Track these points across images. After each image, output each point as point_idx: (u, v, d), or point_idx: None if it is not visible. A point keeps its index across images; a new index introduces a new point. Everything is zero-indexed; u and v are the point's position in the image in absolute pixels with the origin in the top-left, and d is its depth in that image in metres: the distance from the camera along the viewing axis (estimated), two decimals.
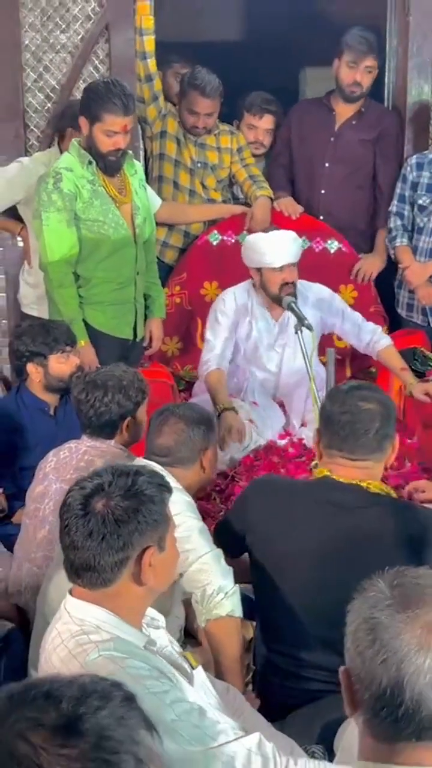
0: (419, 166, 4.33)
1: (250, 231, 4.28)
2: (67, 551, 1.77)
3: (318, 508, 2.36)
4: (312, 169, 4.62)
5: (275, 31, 5.43)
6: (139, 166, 3.89)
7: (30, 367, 3.39)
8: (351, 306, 4.13)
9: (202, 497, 3.20)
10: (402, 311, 4.51)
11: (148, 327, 4.00)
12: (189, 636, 2.66)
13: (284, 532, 2.38)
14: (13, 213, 4.15)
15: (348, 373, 4.43)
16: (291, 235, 3.87)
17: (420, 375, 3.94)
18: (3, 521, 3.31)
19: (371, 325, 4.00)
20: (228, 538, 2.57)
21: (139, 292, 3.86)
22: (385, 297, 4.59)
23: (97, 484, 1.78)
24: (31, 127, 4.28)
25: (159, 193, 4.42)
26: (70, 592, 1.80)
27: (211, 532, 2.59)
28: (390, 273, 4.54)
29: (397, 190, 4.39)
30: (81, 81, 4.21)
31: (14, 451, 3.35)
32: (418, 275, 4.31)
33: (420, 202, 4.31)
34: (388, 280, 4.57)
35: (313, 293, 3.95)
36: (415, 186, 4.33)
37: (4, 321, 4.42)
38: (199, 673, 1.93)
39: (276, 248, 3.77)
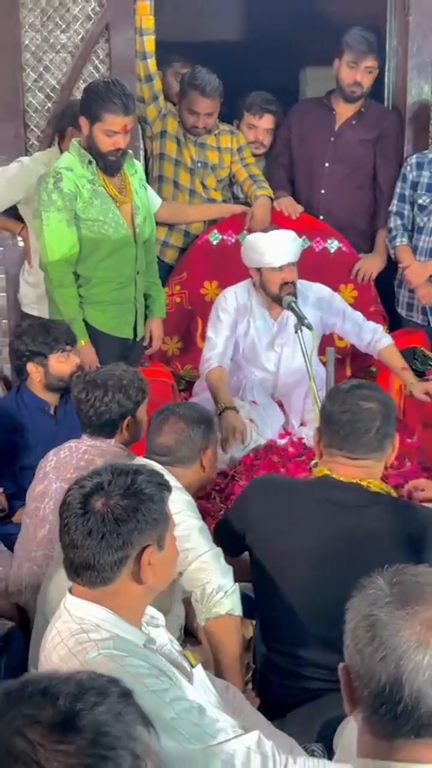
0: (419, 166, 4.33)
1: (250, 231, 4.28)
2: (66, 550, 1.77)
3: (318, 507, 2.36)
4: (312, 169, 4.63)
5: (275, 31, 5.43)
6: (139, 165, 3.90)
7: (30, 367, 3.39)
8: (351, 306, 4.13)
9: (202, 496, 3.20)
10: (402, 311, 4.51)
11: (148, 326, 4.00)
12: (189, 635, 2.66)
13: (284, 531, 2.38)
14: (13, 213, 4.15)
15: (348, 373, 4.43)
16: (290, 234, 3.87)
17: (420, 374, 3.94)
18: (3, 520, 3.32)
19: (372, 324, 4.00)
20: (228, 538, 2.57)
21: (139, 292, 3.86)
22: (385, 296, 4.59)
23: (97, 483, 1.79)
24: (31, 126, 4.29)
25: (159, 192, 4.42)
26: (70, 591, 1.80)
27: (211, 531, 2.59)
28: (390, 272, 4.55)
29: (397, 190, 4.39)
30: (81, 81, 4.21)
31: (14, 450, 3.35)
32: (418, 275, 4.31)
33: (420, 201, 4.32)
34: (388, 280, 4.57)
35: (314, 293, 3.96)
36: (415, 185, 4.34)
37: (4, 320, 4.42)
38: (199, 672, 1.93)
39: (275, 248, 3.77)
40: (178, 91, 4.53)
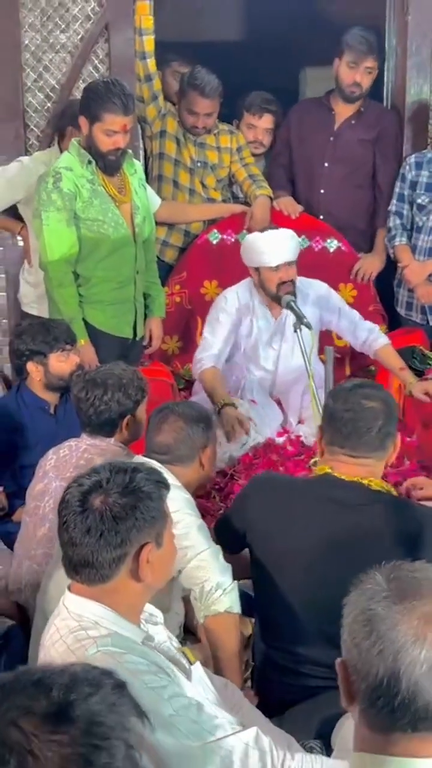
0: (418, 165, 4.33)
1: (250, 230, 4.28)
2: (65, 548, 1.78)
3: (319, 505, 2.36)
4: (311, 169, 4.63)
5: (275, 31, 5.44)
6: (138, 165, 3.90)
7: (30, 366, 3.39)
8: (350, 305, 4.14)
9: (202, 495, 3.20)
10: (401, 310, 4.52)
11: (148, 326, 4.01)
12: (189, 633, 2.66)
13: (284, 529, 2.38)
14: (13, 212, 4.16)
15: (347, 372, 4.44)
16: (287, 233, 3.87)
17: (419, 373, 3.95)
18: (3, 519, 3.33)
19: (368, 323, 4.01)
20: (228, 536, 2.57)
21: (138, 291, 3.87)
22: (384, 296, 4.59)
23: (95, 481, 1.79)
24: (31, 126, 4.29)
25: (159, 192, 4.42)
26: (69, 588, 1.81)
27: (210, 529, 2.60)
28: (389, 272, 4.55)
29: (396, 189, 4.40)
30: (81, 81, 4.22)
31: (14, 449, 3.36)
32: (417, 274, 4.32)
33: (419, 201, 4.32)
34: (387, 279, 4.58)
35: (314, 290, 3.96)
36: (414, 185, 4.34)
37: (4, 320, 4.42)
38: (197, 669, 1.94)
39: (273, 247, 3.78)
40: (178, 91, 4.53)
